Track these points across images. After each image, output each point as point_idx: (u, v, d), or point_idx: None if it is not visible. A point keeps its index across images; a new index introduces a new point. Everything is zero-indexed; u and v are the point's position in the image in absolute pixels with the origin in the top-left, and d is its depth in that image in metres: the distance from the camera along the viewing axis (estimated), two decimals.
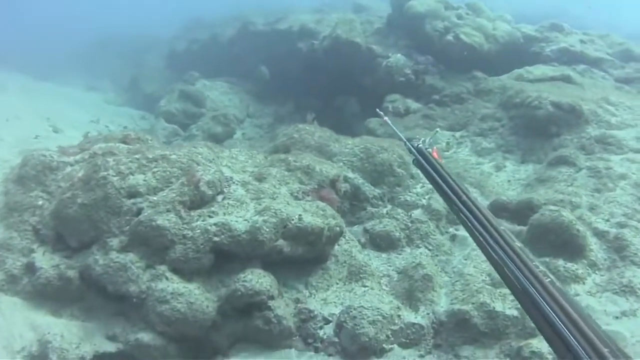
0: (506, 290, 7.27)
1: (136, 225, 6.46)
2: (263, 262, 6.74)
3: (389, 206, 8.52)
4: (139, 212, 6.58)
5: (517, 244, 3.66)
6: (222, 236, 6.46)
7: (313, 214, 6.99)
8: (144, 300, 6.27)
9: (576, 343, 2.83)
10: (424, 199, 8.69)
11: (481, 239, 3.87)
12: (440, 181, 4.49)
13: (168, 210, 6.50)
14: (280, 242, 6.73)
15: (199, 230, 6.48)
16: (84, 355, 6.04)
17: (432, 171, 4.60)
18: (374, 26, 14.83)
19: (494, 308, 6.72)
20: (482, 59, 13.23)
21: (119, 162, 6.86)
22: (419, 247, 8.01)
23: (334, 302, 7.00)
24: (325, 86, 15.07)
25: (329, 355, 6.56)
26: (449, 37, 13.27)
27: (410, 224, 8.21)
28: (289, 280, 7.02)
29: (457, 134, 11.66)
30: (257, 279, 6.39)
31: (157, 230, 6.37)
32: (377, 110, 6.42)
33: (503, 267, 3.56)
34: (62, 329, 6.23)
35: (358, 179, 8.38)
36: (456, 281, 7.50)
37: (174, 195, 6.61)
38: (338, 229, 7.18)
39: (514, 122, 11.35)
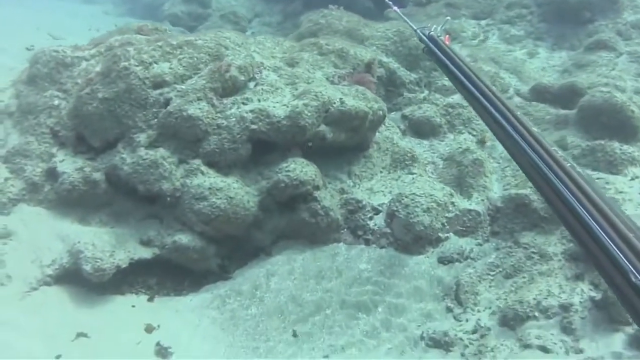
0: None
1: (165, 117, 5.88)
2: (303, 152, 6.21)
3: (426, 91, 7.95)
4: (167, 102, 5.98)
5: (535, 129, 3.28)
6: (260, 123, 5.90)
7: (355, 98, 6.40)
8: (178, 199, 5.79)
9: (598, 227, 2.57)
10: None
11: (495, 124, 3.47)
12: (453, 67, 4.00)
13: (199, 99, 5.90)
14: (323, 127, 6.18)
15: (234, 119, 5.91)
16: (119, 263, 5.57)
17: (444, 58, 4.11)
18: None
19: None
20: None
21: (141, 51, 6.20)
22: (462, 133, 7.53)
23: (382, 191, 6.55)
24: None
25: (381, 247, 6.16)
26: None
27: (450, 110, 7.66)
28: (330, 170, 6.52)
29: (483, 23, 10.95)
30: (300, 168, 5.88)
31: (188, 121, 5.79)
32: (387, 0, 5.84)
33: (521, 153, 3.18)
34: (92, 237, 5.75)
35: (393, 64, 7.77)
36: (506, 167, 7.10)
37: (204, 82, 5.99)
38: (381, 112, 6.62)
39: (543, 9, 10.68)
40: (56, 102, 6.50)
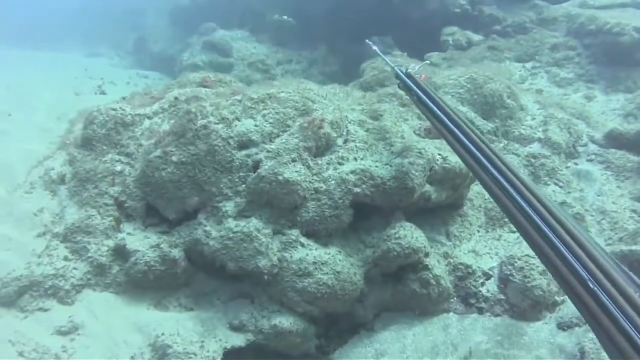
0: None
1: (256, 182, 5.17)
2: (406, 214, 5.55)
3: (504, 141, 7.35)
4: (256, 165, 5.29)
5: (509, 159, 3.91)
6: (364, 186, 5.23)
7: (452, 153, 5.77)
8: (275, 276, 5.03)
9: (561, 242, 3.10)
10: (539, 131, 7.57)
11: (473, 161, 3.97)
12: (430, 103, 4.65)
13: (293, 160, 5.23)
14: (427, 187, 5.53)
15: (333, 181, 5.24)
16: (213, 356, 4.76)
17: (421, 94, 4.77)
18: None
19: None
20: None
21: (219, 107, 5.53)
22: (548, 185, 6.94)
23: (488, 253, 5.91)
24: (356, 26, 13.66)
25: (496, 315, 5.49)
26: None
27: (533, 160, 7.11)
28: (426, 231, 5.80)
29: (528, 65, 10.51)
30: (411, 234, 5.22)
31: (285, 186, 5.09)
32: (367, 40, 6.27)
33: (491, 178, 3.72)
34: (174, 325, 4.98)
35: (470, 113, 7.17)
36: (601, 219, 6.58)
37: (297, 140, 5.32)
38: None
39: (591, 51, 10.29)
40: (118, 167, 5.78)
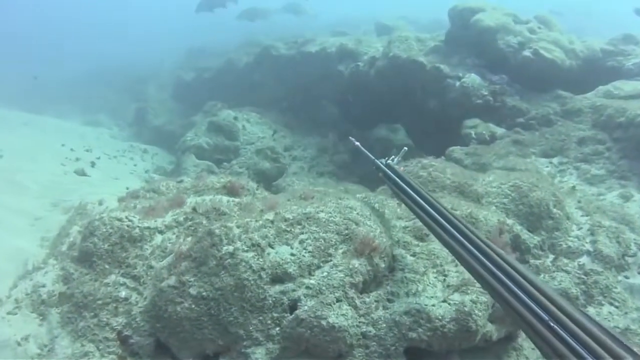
0: None
1: (293, 325, 4.31)
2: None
3: (551, 256, 6.58)
4: (294, 304, 4.42)
5: (495, 246, 3.84)
6: (420, 330, 4.39)
7: None
8: None
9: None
10: (587, 242, 6.82)
11: (458, 247, 3.96)
12: (411, 192, 4.65)
13: (338, 300, 4.38)
14: (489, 327, 4.70)
15: (384, 325, 4.40)
16: None
17: (403, 184, 4.79)
18: (428, 44, 12.94)
19: None
20: (562, 75, 11.45)
21: (248, 229, 4.71)
22: (603, 305, 6.14)
23: None
24: (368, 111, 13.16)
25: None
26: (527, 52, 11.40)
27: (585, 277, 6.32)
28: None
29: (555, 160, 9.85)
30: None
31: (329, 333, 4.24)
32: (350, 137, 6.12)
33: (483, 273, 3.67)
34: None
35: (516, 226, 6.42)
36: None
37: (342, 275, 4.48)
38: None
39: (622, 144, 9.63)
40: (123, 293, 4.90)
